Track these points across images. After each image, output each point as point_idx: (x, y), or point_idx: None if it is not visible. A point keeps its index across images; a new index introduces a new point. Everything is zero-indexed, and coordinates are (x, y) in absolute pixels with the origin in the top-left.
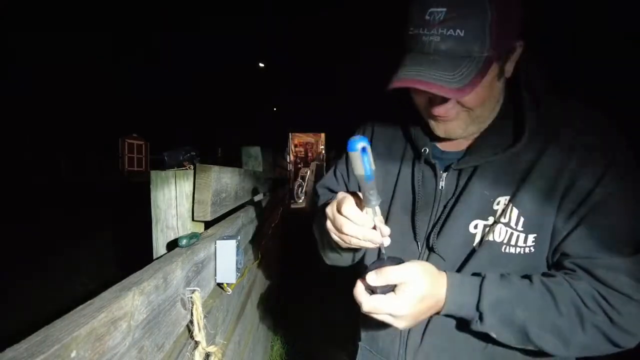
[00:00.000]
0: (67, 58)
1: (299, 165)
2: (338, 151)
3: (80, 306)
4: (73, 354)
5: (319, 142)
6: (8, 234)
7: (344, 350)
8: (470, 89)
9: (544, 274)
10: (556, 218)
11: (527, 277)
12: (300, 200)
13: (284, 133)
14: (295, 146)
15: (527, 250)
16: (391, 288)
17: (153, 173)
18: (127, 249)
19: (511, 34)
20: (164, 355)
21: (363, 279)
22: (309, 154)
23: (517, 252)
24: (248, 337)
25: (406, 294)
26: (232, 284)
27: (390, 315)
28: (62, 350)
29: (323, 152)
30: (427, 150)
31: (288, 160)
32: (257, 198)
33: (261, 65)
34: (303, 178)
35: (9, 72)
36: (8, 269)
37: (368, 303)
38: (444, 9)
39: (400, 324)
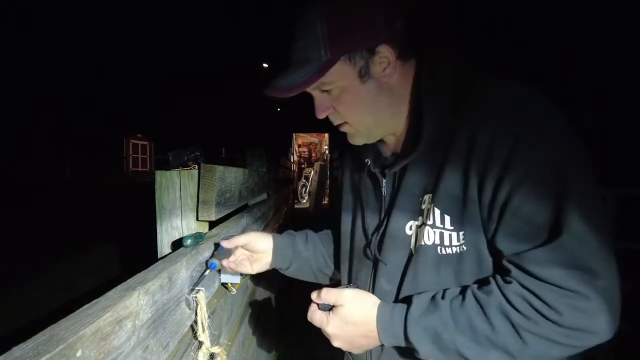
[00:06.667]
0: (70, 57)
1: (303, 166)
2: (341, 151)
3: (86, 305)
4: (79, 353)
5: (323, 143)
6: (12, 232)
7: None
8: (298, 88)
9: (481, 283)
10: (480, 212)
11: (464, 289)
12: (304, 200)
13: (288, 133)
14: (299, 146)
15: (461, 249)
16: (330, 307)
17: (157, 173)
18: (132, 248)
19: (358, 40)
20: (168, 355)
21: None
22: (313, 154)
23: (453, 252)
24: (252, 337)
25: (335, 314)
26: (236, 284)
27: (324, 331)
28: (67, 349)
29: (327, 152)
30: (369, 161)
31: (292, 160)
32: (261, 198)
33: (265, 65)
34: (307, 178)
35: (13, 70)
36: (12, 268)
37: (310, 314)
38: (294, 27)
39: (334, 342)
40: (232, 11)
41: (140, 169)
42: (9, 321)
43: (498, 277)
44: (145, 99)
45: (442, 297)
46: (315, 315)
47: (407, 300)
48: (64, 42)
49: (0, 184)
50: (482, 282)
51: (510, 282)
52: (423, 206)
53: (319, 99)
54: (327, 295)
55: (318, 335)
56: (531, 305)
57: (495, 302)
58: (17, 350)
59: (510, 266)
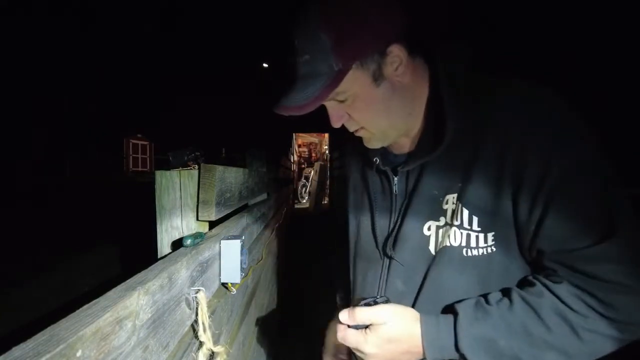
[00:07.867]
0: (70, 57)
1: (303, 166)
2: (343, 150)
3: (86, 305)
4: (79, 353)
5: (323, 143)
6: (12, 232)
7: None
8: (314, 103)
9: (523, 285)
10: (516, 212)
11: (507, 292)
12: (304, 200)
13: (288, 133)
14: (299, 146)
15: (489, 250)
16: (365, 325)
17: (157, 173)
18: (132, 248)
19: (367, 44)
20: (168, 354)
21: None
22: (313, 154)
23: (480, 253)
24: (252, 337)
25: (374, 332)
26: (236, 283)
27: (359, 351)
28: (67, 349)
29: (327, 152)
30: (378, 159)
31: (292, 160)
32: (261, 198)
33: (265, 65)
34: (307, 178)
35: (13, 69)
36: (12, 268)
37: (341, 334)
38: (296, 40)
39: None
40: (232, 11)
41: (140, 169)
42: (9, 321)
43: (542, 278)
44: (145, 99)
45: (487, 303)
46: (349, 336)
47: (449, 310)
48: (64, 41)
49: (0, 184)
50: (524, 284)
51: (559, 282)
52: (445, 206)
53: (332, 108)
54: (362, 315)
55: (318, 335)
56: (586, 303)
57: (548, 303)
58: (17, 350)
59: (556, 265)
